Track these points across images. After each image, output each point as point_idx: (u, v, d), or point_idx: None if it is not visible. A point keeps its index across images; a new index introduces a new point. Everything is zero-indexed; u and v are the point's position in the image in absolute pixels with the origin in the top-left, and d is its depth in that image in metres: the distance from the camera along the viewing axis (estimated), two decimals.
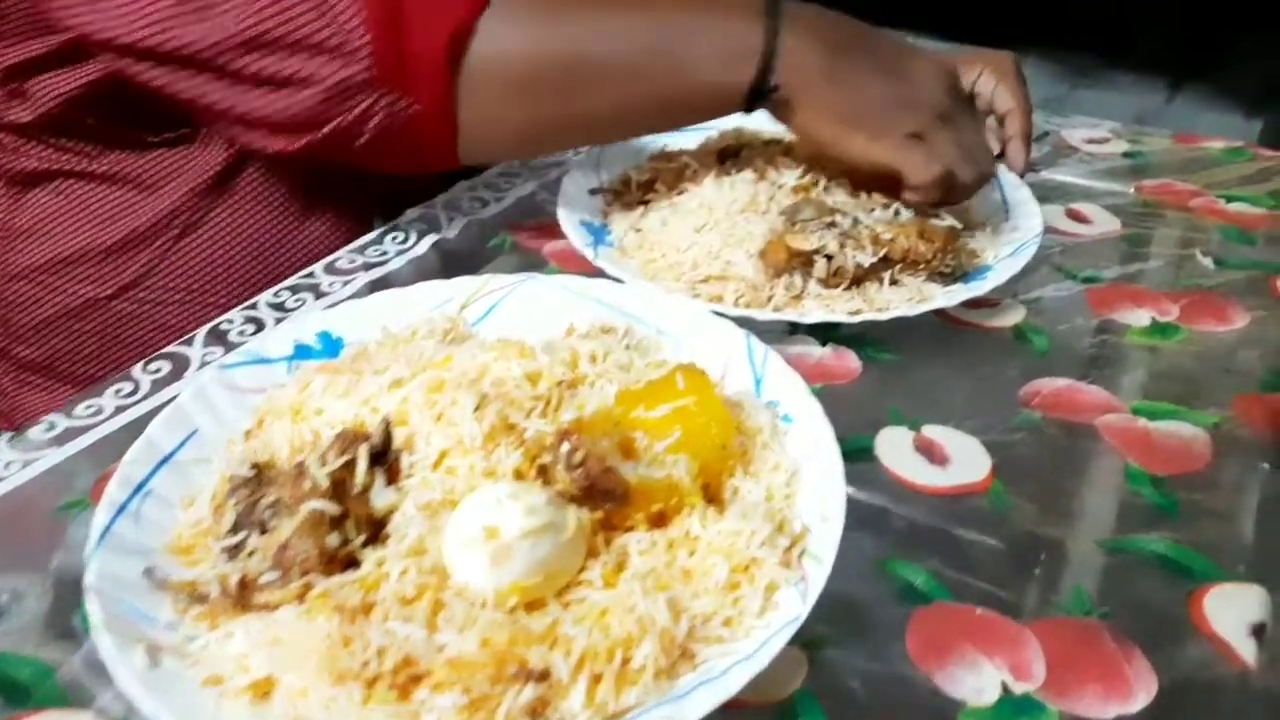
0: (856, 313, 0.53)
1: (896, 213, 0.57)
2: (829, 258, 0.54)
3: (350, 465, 0.37)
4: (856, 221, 0.56)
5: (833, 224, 0.55)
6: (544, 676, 0.31)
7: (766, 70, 0.53)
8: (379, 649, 0.31)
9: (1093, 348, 0.54)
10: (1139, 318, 0.57)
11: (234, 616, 0.34)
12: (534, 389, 0.40)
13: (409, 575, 0.33)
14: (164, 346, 0.55)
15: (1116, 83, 2.22)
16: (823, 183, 0.60)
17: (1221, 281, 0.61)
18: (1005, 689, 0.35)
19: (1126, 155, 0.78)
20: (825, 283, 0.54)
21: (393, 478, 0.37)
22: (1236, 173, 0.76)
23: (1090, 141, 0.81)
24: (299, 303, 0.57)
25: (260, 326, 0.55)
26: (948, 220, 0.56)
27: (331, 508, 0.34)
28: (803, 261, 0.54)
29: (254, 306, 0.57)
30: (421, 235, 0.65)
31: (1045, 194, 0.72)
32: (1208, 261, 0.62)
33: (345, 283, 0.59)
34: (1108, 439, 0.47)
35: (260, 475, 0.38)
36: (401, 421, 0.39)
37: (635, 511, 0.36)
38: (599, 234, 0.61)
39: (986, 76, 0.71)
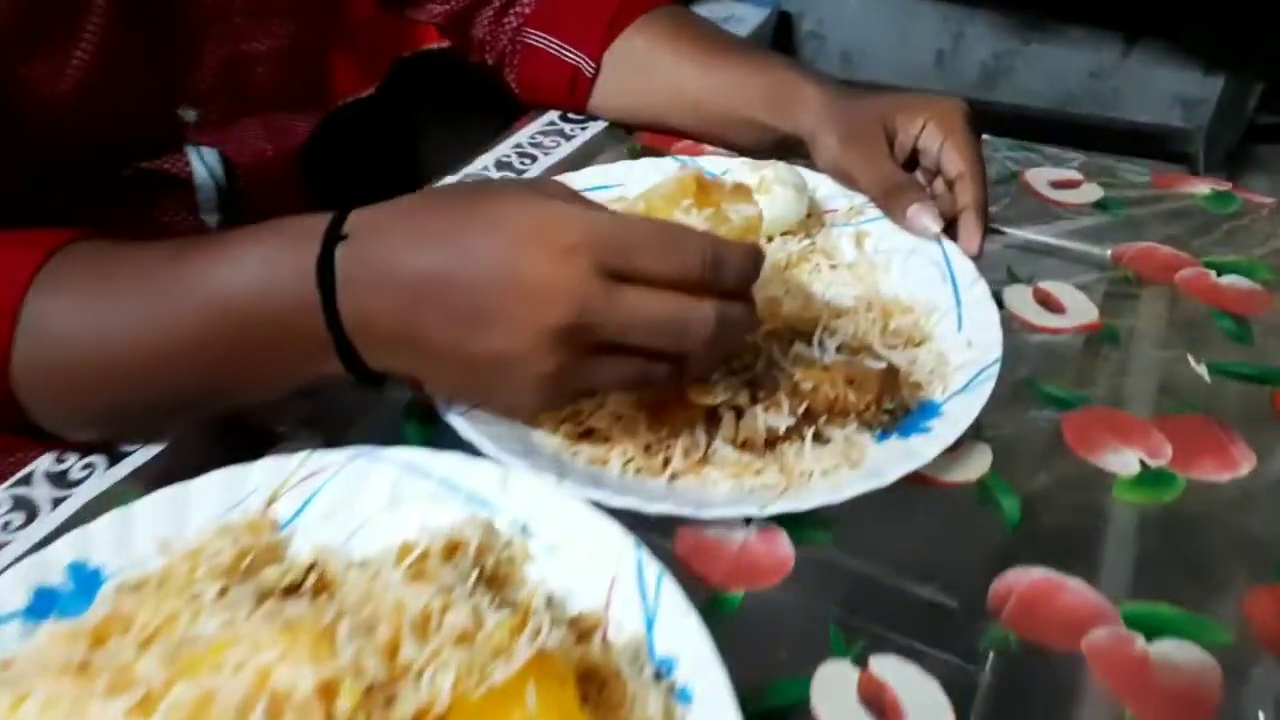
0: (771, 490, 0.42)
1: (821, 345, 0.46)
2: (737, 413, 0.43)
3: None
4: (771, 363, 0.44)
5: (744, 366, 0.44)
6: None
7: (353, 370, 0.41)
8: None
9: (1073, 516, 0.44)
10: (1126, 462, 0.47)
11: None
12: (330, 708, 0.29)
13: None
14: None
15: (1071, 37, 2.12)
16: None
17: (1217, 398, 0.51)
18: None
19: (1099, 206, 0.68)
20: (734, 443, 0.43)
21: None
22: (1224, 228, 0.66)
23: (1057, 186, 0.70)
24: (87, 471, 0.45)
25: (32, 514, 0.43)
26: (883, 361, 0.45)
27: None
28: (705, 414, 0.44)
29: (28, 480, 0.45)
30: None
31: (1009, 262, 0.62)
32: (1202, 369, 0.53)
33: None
34: (1097, 673, 0.37)
35: None
36: None
37: None
38: None
39: (931, 130, 0.58)
